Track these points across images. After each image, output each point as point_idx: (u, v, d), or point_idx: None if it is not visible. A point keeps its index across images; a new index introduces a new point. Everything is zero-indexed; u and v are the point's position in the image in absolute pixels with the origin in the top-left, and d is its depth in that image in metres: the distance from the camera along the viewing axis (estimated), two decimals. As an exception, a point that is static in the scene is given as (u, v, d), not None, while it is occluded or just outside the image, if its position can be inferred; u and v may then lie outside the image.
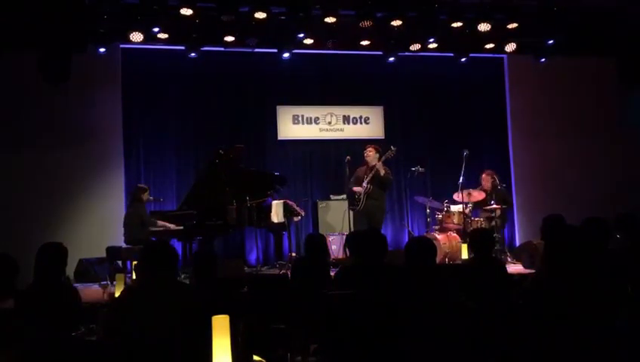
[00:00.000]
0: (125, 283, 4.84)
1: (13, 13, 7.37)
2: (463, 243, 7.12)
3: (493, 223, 8.11)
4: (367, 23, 7.93)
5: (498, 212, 8.15)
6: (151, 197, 7.93)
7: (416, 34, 8.56)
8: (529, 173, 9.75)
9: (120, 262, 7.42)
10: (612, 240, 4.13)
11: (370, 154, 7.93)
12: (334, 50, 8.89)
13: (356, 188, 7.86)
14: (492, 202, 8.19)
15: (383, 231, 7.88)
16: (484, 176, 8.47)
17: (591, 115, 9.83)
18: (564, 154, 9.70)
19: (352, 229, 7.84)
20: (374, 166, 7.81)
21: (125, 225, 7.65)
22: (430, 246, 3.50)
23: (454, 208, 8.21)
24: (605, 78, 9.96)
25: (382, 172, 7.75)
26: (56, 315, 3.40)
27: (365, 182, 7.77)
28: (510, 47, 8.85)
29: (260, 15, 7.69)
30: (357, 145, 8.72)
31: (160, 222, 7.63)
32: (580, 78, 9.83)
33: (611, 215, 4.30)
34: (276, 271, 7.74)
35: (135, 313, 3.06)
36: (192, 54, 8.39)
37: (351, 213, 7.95)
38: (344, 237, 8.11)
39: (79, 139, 8.36)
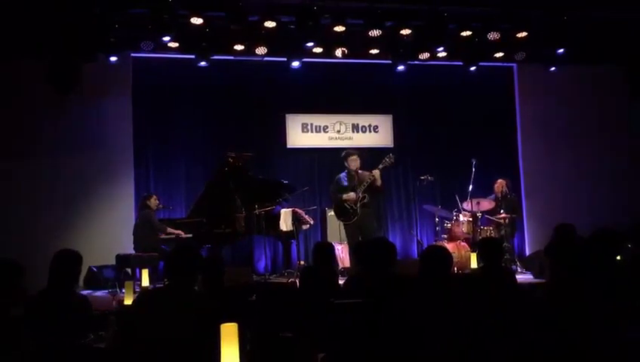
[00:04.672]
0: (134, 291, 4.85)
1: (24, 23, 7.44)
2: (472, 252, 7.07)
3: (503, 232, 8.08)
4: (376, 32, 7.95)
5: (506, 221, 8.11)
6: (160, 205, 7.96)
7: (426, 43, 8.55)
8: (539, 182, 9.69)
9: (129, 270, 7.45)
10: (624, 250, 4.09)
11: (357, 162, 7.36)
12: (343, 58, 8.91)
13: (348, 196, 7.23)
14: (501, 211, 8.16)
15: (391, 240, 7.83)
16: (498, 181, 8.43)
17: (601, 124, 9.78)
18: (574, 163, 9.63)
19: (348, 241, 7.57)
20: (366, 174, 7.28)
21: (135, 233, 7.69)
22: (447, 255, 3.47)
23: (463, 217, 8.18)
24: (615, 86, 9.91)
25: (379, 181, 7.24)
26: (67, 322, 3.41)
27: (360, 191, 7.24)
28: (520, 55, 8.83)
29: (270, 24, 7.74)
30: (366, 154, 8.70)
31: (170, 230, 7.66)
32: (590, 87, 9.78)
33: (622, 224, 4.27)
34: (284, 280, 7.73)
35: (145, 319, 3.07)
36: (202, 63, 8.44)
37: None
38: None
39: (90, 147, 8.42)
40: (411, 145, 9.70)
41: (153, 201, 7.78)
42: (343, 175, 7.48)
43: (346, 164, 7.43)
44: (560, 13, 8.11)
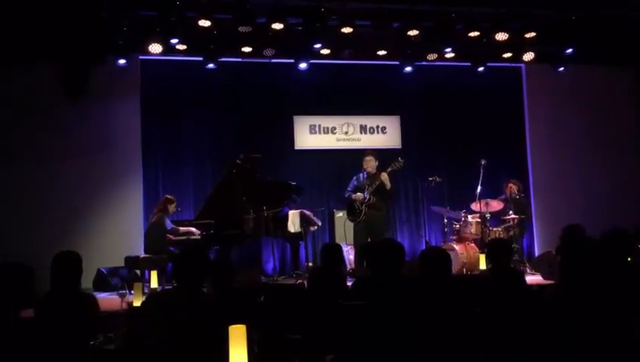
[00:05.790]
0: (143, 293, 4.87)
1: (33, 25, 7.49)
2: (481, 253, 7.05)
3: (512, 233, 8.04)
4: (383, 33, 7.94)
5: (515, 222, 8.08)
6: (178, 209, 7.93)
7: (433, 43, 8.54)
8: (548, 183, 9.65)
9: (138, 272, 7.47)
10: (635, 250, 4.06)
11: (371, 163, 7.64)
12: (351, 59, 8.90)
13: (356, 196, 7.56)
14: (510, 212, 8.13)
15: (399, 241, 7.82)
16: (510, 184, 8.40)
17: (610, 124, 9.72)
18: (583, 164, 9.58)
19: (354, 242, 7.77)
20: (377, 176, 7.51)
21: (146, 234, 7.69)
22: (444, 256, 3.46)
23: (472, 218, 8.15)
24: (624, 86, 9.86)
25: (388, 185, 7.46)
26: (74, 324, 3.43)
27: (367, 192, 7.47)
28: (528, 56, 8.80)
29: (277, 26, 7.74)
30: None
31: (183, 228, 7.68)
32: (599, 87, 9.74)
33: (632, 224, 4.23)
34: (293, 281, 7.73)
35: (154, 320, 3.07)
36: (210, 65, 8.47)
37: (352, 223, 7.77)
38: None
39: (98, 149, 8.45)
40: (419, 146, 9.68)
41: (172, 208, 7.75)
42: (358, 175, 7.75)
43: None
44: (568, 13, 8.08)
